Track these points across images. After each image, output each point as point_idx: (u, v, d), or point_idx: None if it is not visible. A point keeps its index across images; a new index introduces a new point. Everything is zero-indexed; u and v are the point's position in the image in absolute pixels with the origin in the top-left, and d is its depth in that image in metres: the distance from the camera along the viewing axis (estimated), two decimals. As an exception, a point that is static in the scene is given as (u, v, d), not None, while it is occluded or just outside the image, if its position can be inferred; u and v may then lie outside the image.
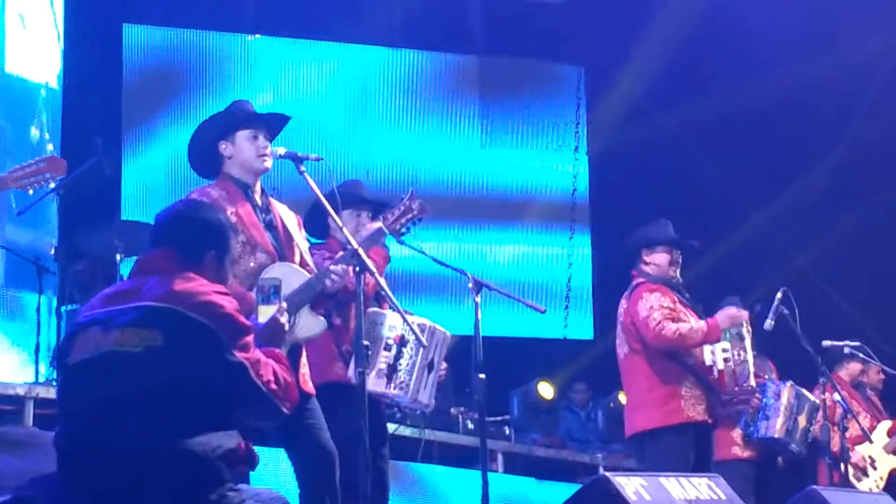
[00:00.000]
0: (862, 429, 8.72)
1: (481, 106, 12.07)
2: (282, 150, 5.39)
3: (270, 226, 5.35)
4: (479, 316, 6.08)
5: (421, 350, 5.78)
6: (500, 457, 9.08)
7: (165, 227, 4.18)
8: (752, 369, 6.94)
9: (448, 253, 6.60)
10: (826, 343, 8.41)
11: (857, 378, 9.20)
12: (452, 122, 11.93)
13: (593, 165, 12.28)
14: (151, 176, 10.60)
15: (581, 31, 12.01)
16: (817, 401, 7.98)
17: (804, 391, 8.06)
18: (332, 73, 11.53)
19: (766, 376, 8.20)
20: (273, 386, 3.97)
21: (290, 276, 5.21)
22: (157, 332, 3.82)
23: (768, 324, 7.64)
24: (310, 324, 5.22)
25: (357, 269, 5.37)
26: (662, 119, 11.85)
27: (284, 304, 4.65)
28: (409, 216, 5.73)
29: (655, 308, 6.84)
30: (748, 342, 6.98)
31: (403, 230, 5.77)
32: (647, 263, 7.07)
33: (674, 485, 5.58)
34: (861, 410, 9.08)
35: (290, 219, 5.47)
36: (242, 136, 5.30)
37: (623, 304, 7.02)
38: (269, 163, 5.33)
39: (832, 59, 11.37)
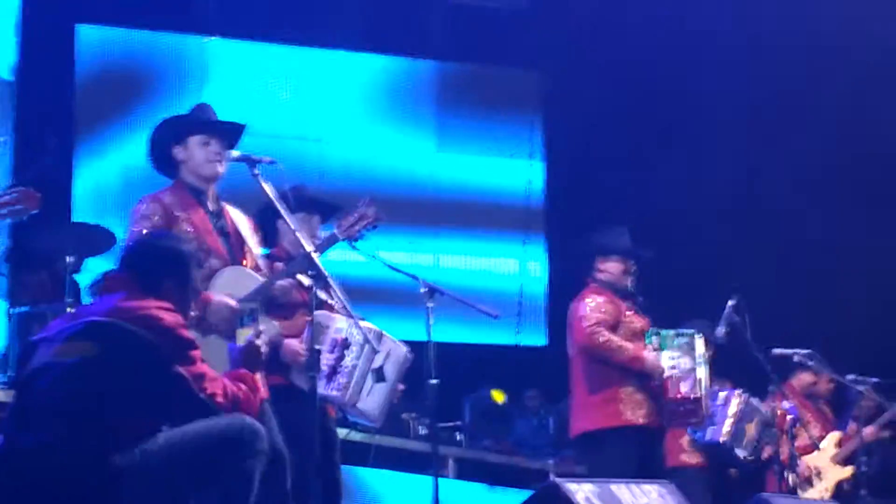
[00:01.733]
0: (811, 438, 8.78)
1: (438, 111, 12.07)
2: (235, 153, 5.39)
3: (223, 231, 5.36)
4: (432, 321, 6.10)
5: (365, 353, 5.77)
6: (451, 463, 9.08)
7: (129, 253, 4.41)
8: (699, 379, 6.96)
9: (401, 258, 6.60)
10: (776, 351, 8.43)
11: (808, 387, 9.25)
12: (409, 126, 11.93)
13: (549, 172, 12.30)
14: (104, 177, 10.54)
15: (538, 37, 12.04)
16: (769, 413, 8.04)
17: (756, 403, 8.13)
18: (288, 77, 11.51)
19: (717, 386, 8.25)
20: (219, 399, 4.08)
21: (243, 280, 5.23)
22: (94, 344, 3.93)
23: (720, 332, 7.72)
24: (264, 326, 5.22)
25: (310, 273, 5.38)
26: (620, 126, 11.90)
27: (262, 327, 4.73)
28: (365, 223, 5.75)
29: (594, 310, 6.92)
30: (699, 355, 7.00)
31: (358, 236, 5.78)
32: (600, 271, 7.13)
33: (623, 491, 5.62)
34: (811, 420, 9.13)
35: (242, 224, 5.47)
36: (194, 141, 5.31)
37: (571, 305, 7.08)
38: (220, 169, 5.33)
39: (795, 64, 11.47)
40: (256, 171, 5.36)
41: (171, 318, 4.09)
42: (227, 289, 5.16)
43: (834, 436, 9.17)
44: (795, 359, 8.73)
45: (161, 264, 4.33)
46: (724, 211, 11.83)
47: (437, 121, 12.05)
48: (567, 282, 7.14)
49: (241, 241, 5.39)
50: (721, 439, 7.89)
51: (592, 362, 6.96)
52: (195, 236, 5.17)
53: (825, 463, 9.02)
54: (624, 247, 7.17)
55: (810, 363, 8.80)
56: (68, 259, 8.01)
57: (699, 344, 7.05)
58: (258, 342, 4.53)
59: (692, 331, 7.10)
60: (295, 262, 5.43)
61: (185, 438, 4.05)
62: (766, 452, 8.14)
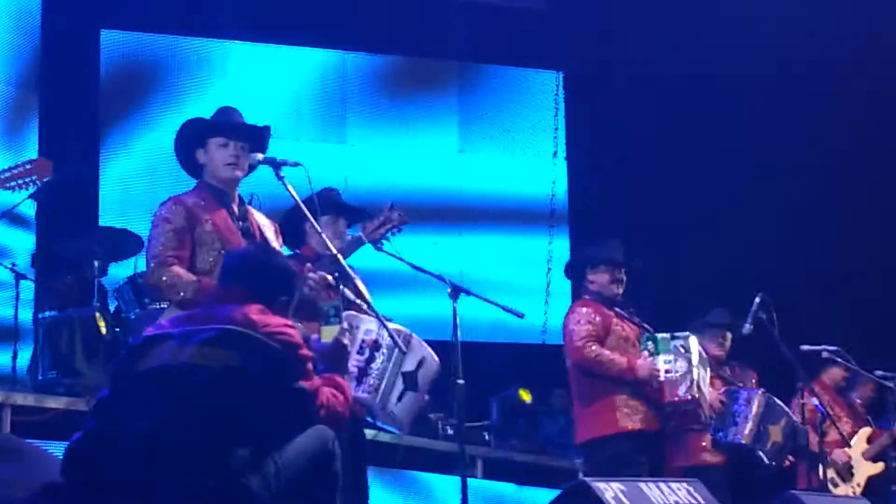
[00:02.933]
0: (841, 434, 8.75)
1: (460, 111, 12.07)
2: (260, 156, 5.40)
3: (247, 233, 5.37)
4: (458, 321, 6.11)
5: (395, 356, 5.76)
6: (479, 462, 9.08)
7: (242, 268, 4.48)
8: (695, 380, 7.04)
9: (426, 258, 6.62)
10: (804, 348, 8.43)
11: (839, 383, 9.22)
12: (431, 127, 11.93)
13: (572, 170, 12.29)
14: (130, 181, 10.57)
15: (559, 37, 12.03)
16: (795, 417, 8.03)
17: (780, 403, 8.10)
18: (311, 79, 11.52)
19: (742, 384, 8.24)
20: (322, 413, 4.27)
21: None
22: (235, 354, 4.07)
23: (746, 328, 7.73)
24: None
25: (336, 275, 5.40)
26: (643, 125, 11.88)
27: (345, 325, 4.83)
28: (389, 226, 5.78)
29: (583, 323, 7.06)
30: (694, 356, 7.08)
31: (382, 239, 5.81)
32: (591, 282, 7.27)
33: (653, 490, 5.62)
34: (842, 416, 9.11)
35: (267, 227, 5.49)
36: (214, 143, 5.32)
37: (565, 321, 7.21)
38: (238, 172, 5.34)
39: (821, 61, 11.44)
40: (281, 174, 5.38)
41: (296, 334, 4.24)
42: None
43: (865, 431, 9.16)
44: (824, 355, 8.72)
45: (276, 281, 4.47)
46: (750, 208, 11.81)
47: (460, 119, 12.04)
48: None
49: (268, 244, 5.41)
50: (743, 441, 7.90)
51: (586, 374, 7.09)
52: (218, 237, 5.21)
53: (856, 459, 9.00)
54: (610, 256, 7.28)
55: (838, 359, 8.79)
56: (95, 263, 8.05)
57: (693, 346, 7.13)
58: (345, 340, 4.67)
59: (686, 333, 7.18)
60: (321, 262, 5.45)
61: (300, 454, 4.18)
62: (789, 461, 8.15)
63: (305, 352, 4.26)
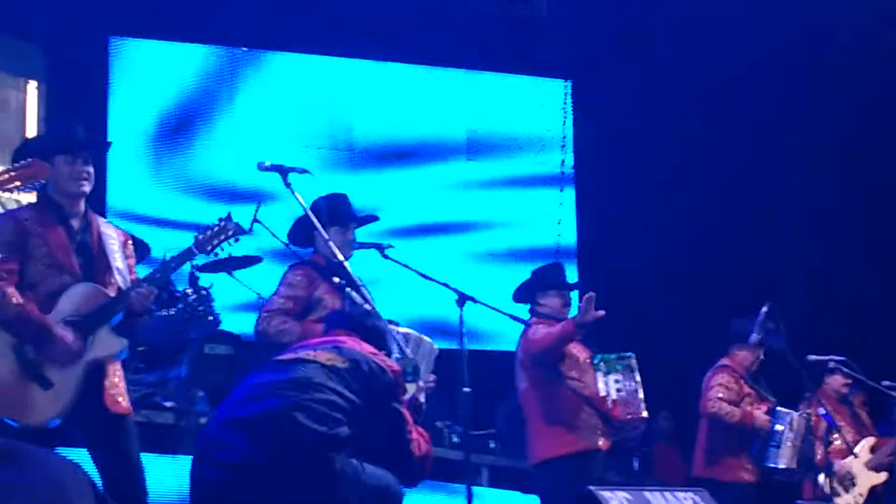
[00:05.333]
0: (846, 443, 8.74)
1: (467, 119, 12.08)
2: (268, 163, 5.41)
3: (84, 247, 5.36)
4: (464, 329, 6.12)
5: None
6: (484, 470, 9.07)
7: (348, 322, 5.15)
8: (641, 398, 7.26)
9: (433, 267, 6.62)
10: (811, 357, 8.43)
11: (841, 392, 9.21)
12: (438, 135, 11.94)
13: (579, 179, 12.29)
14: (138, 189, 10.57)
15: (565, 45, 12.04)
16: (846, 438, 8.40)
17: (808, 419, 8.28)
18: (319, 87, 11.53)
19: (772, 400, 8.32)
20: (415, 448, 4.79)
21: (94, 296, 5.27)
22: (345, 359, 4.66)
23: (753, 338, 7.78)
24: (108, 343, 5.26)
25: (342, 282, 5.41)
26: (647, 131, 11.88)
27: (422, 384, 5.33)
28: (223, 237, 5.67)
29: (539, 329, 7.16)
30: (637, 374, 7.26)
31: (216, 250, 5.71)
32: (541, 305, 7.40)
33: (659, 499, 5.61)
34: (845, 425, 9.09)
35: (112, 240, 5.46)
36: (60, 159, 5.30)
37: (520, 342, 7.29)
38: (86, 187, 5.35)
39: (828, 64, 11.44)
40: (289, 181, 5.39)
41: (394, 365, 4.84)
42: (77, 304, 5.20)
43: (868, 441, 9.13)
44: (831, 365, 8.73)
45: (376, 336, 5.07)
46: (755, 217, 11.81)
47: (468, 128, 12.05)
48: (596, 289, 7.23)
49: (104, 257, 5.38)
50: (784, 465, 8.10)
51: (553, 392, 7.16)
52: (47, 252, 5.22)
53: (859, 468, 8.98)
54: (560, 281, 7.49)
55: (844, 369, 8.79)
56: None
57: (635, 365, 7.30)
58: (421, 398, 5.25)
59: (630, 354, 7.34)
60: (155, 270, 5.47)
61: (377, 474, 4.63)
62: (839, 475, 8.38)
63: (401, 381, 4.79)
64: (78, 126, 5.47)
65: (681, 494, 5.76)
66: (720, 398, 8.09)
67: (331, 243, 5.51)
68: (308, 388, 4.50)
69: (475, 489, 6.11)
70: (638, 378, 7.24)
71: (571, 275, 11.87)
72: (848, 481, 8.82)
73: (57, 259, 5.24)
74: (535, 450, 7.24)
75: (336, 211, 6.07)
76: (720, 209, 11.72)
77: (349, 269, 5.55)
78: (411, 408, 5.00)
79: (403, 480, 4.84)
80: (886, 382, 8.92)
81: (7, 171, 5.27)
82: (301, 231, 6.16)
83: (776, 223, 11.77)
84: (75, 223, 5.35)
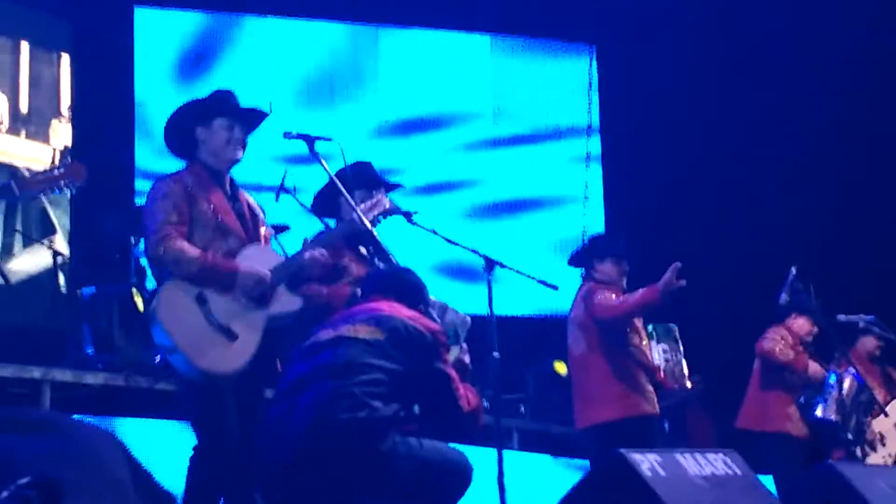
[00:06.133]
0: (878, 403, 8.75)
1: (494, 85, 12.07)
2: (293, 132, 5.43)
3: (239, 213, 5.40)
4: (493, 295, 6.14)
5: None
6: (515, 434, 9.11)
7: (386, 283, 5.21)
8: (685, 369, 7.57)
9: (460, 232, 6.66)
10: (841, 317, 8.47)
11: (872, 352, 9.20)
12: (465, 100, 11.94)
13: (605, 144, 12.28)
14: (164, 162, 10.60)
15: (592, 9, 12.01)
16: (878, 398, 8.41)
17: (866, 385, 8.35)
18: (343, 53, 11.53)
19: (833, 366, 8.42)
20: (464, 402, 4.83)
21: (266, 256, 5.33)
22: (382, 331, 4.72)
23: (783, 299, 7.85)
24: (286, 300, 5.31)
25: (371, 249, 5.44)
26: (674, 96, 11.86)
27: (465, 346, 5.39)
28: (379, 210, 5.78)
29: (606, 297, 7.26)
30: (681, 345, 7.58)
31: (375, 222, 5.83)
32: (597, 271, 7.50)
33: (689, 461, 5.61)
34: (877, 385, 9.10)
35: (258, 208, 5.52)
36: (219, 124, 5.33)
37: (579, 305, 7.41)
38: (240, 154, 5.37)
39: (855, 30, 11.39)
40: (315, 149, 5.41)
41: (434, 325, 4.92)
42: (251, 262, 5.23)
43: (897, 402, 9.13)
44: (861, 325, 8.74)
45: (415, 293, 5.16)
46: (784, 179, 11.79)
47: (494, 93, 12.04)
48: (629, 250, 7.32)
49: (257, 223, 5.45)
50: (831, 417, 8.22)
51: (615, 358, 7.24)
52: (214, 217, 5.25)
53: (889, 428, 8.98)
54: (617, 249, 7.56)
55: (875, 329, 8.79)
56: (132, 240, 8.09)
57: (678, 336, 7.64)
58: (466, 359, 5.38)
59: (674, 325, 7.66)
60: (321, 234, 5.51)
61: (439, 448, 4.70)
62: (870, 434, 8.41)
63: (444, 339, 4.87)
64: (234, 95, 5.46)
65: (711, 456, 5.75)
66: (775, 340, 8.20)
67: (358, 209, 5.53)
68: (349, 373, 4.58)
69: (506, 452, 6.13)
70: (681, 349, 7.51)
71: (598, 221, 11.98)
72: (878, 441, 8.83)
73: (224, 223, 5.26)
74: (589, 413, 7.32)
75: (361, 175, 6.08)
76: (749, 173, 11.69)
77: (377, 235, 5.56)
78: (457, 368, 5.06)
79: (458, 436, 5.08)
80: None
81: (44, 173, 5.31)
82: (326, 199, 6.17)
83: (805, 186, 11.74)
84: (228, 190, 5.39)
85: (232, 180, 5.44)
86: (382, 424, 4.54)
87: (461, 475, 4.78)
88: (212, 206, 5.25)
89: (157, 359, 5.19)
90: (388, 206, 5.84)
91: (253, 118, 5.44)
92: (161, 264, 5.17)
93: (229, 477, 5.09)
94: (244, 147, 5.37)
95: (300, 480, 4.56)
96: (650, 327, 7.46)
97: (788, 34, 11.64)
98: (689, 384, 7.57)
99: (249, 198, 5.51)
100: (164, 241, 5.12)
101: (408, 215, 6.05)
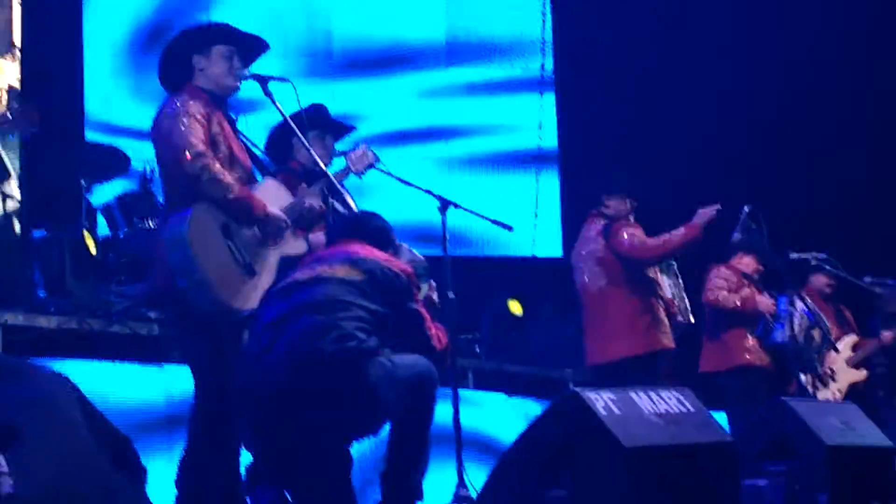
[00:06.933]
0: (829, 339, 8.84)
1: (447, 21, 11.98)
2: (247, 72, 5.38)
3: (243, 144, 5.36)
4: (447, 236, 6.15)
5: None
6: (470, 374, 9.14)
7: (356, 227, 5.25)
8: (687, 303, 7.76)
9: (414, 173, 6.66)
10: (793, 255, 8.51)
11: (823, 290, 9.28)
12: (418, 42, 11.85)
13: (560, 82, 12.23)
14: (114, 98, 10.48)
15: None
16: (829, 334, 8.65)
17: (818, 310, 8.46)
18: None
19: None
20: (436, 343, 4.96)
21: (280, 194, 5.33)
22: (359, 272, 4.80)
23: (736, 237, 7.92)
24: (294, 242, 5.34)
25: (328, 191, 5.44)
26: (634, 34, 11.83)
27: (433, 283, 5.43)
28: (366, 162, 5.84)
29: (636, 235, 7.44)
30: (680, 279, 7.75)
31: (361, 173, 5.90)
32: (607, 206, 7.64)
33: (643, 399, 5.64)
34: (829, 323, 9.18)
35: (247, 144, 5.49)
36: (218, 51, 5.26)
37: (597, 240, 7.53)
38: (239, 84, 5.31)
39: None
40: (269, 90, 5.37)
41: (406, 266, 4.99)
42: (268, 201, 5.20)
43: (851, 339, 9.22)
44: (812, 262, 8.79)
45: (385, 237, 5.21)
46: (735, 118, 11.79)
47: (448, 33, 11.96)
48: (580, 192, 7.38)
49: (256, 159, 5.43)
50: (788, 341, 8.34)
51: (635, 293, 7.44)
52: (224, 140, 5.17)
53: (840, 365, 9.09)
54: (626, 184, 7.75)
55: (826, 266, 8.86)
56: (82, 182, 8.01)
57: (678, 272, 7.77)
58: (434, 296, 5.43)
59: (673, 262, 7.72)
60: (319, 181, 5.48)
61: (408, 364, 4.70)
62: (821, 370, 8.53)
63: (415, 280, 4.95)
64: (232, 26, 5.37)
65: (665, 393, 5.78)
66: (719, 287, 8.26)
67: (312, 150, 5.51)
68: (332, 308, 4.65)
69: (461, 391, 6.17)
70: (682, 283, 7.71)
71: (553, 178, 11.96)
72: (828, 377, 8.94)
73: (233, 151, 5.19)
74: (611, 348, 7.47)
75: (314, 118, 6.06)
76: (703, 108, 11.69)
77: (331, 176, 5.55)
78: (427, 305, 5.15)
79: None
80: (868, 278, 9.00)
81: (3, 116, 5.23)
82: (279, 141, 6.13)
83: (756, 123, 11.77)
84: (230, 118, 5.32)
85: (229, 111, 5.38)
86: (369, 354, 4.60)
87: (431, 383, 4.82)
88: (223, 132, 5.17)
89: (179, 284, 4.97)
90: (373, 159, 5.86)
91: (251, 47, 5.37)
92: (194, 183, 5.00)
93: (228, 435, 5.00)
94: (243, 78, 5.30)
95: (289, 412, 4.57)
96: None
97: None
98: (691, 318, 7.76)
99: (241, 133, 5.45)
100: (200, 157, 4.99)
101: (357, 174, 6.07)
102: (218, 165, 5.02)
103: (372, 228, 5.21)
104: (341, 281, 4.75)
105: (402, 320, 4.84)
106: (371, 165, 5.98)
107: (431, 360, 4.80)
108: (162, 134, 5.12)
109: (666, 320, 7.48)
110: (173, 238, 4.94)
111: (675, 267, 7.72)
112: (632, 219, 7.60)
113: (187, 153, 4.99)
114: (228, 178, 5.03)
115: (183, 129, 5.01)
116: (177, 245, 4.90)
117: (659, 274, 7.55)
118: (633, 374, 7.05)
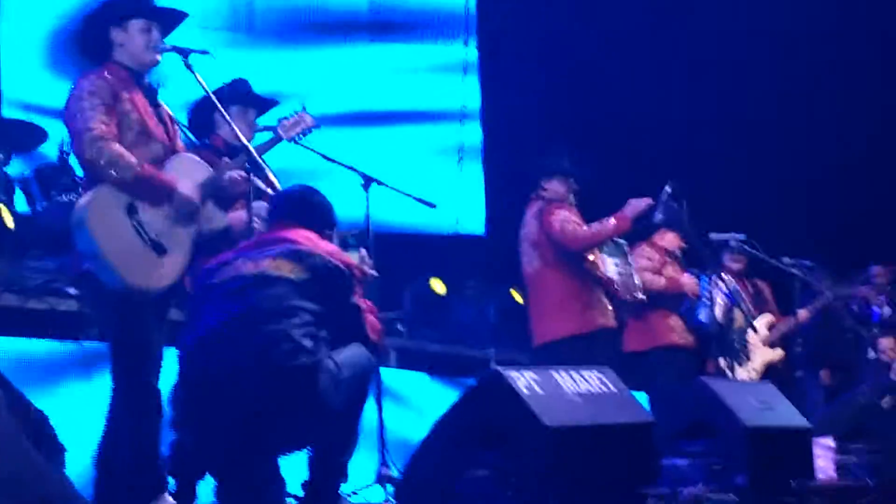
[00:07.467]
0: (749, 320, 8.95)
1: (370, 6, 11.95)
2: (167, 45, 5.32)
3: (160, 119, 5.30)
4: (370, 212, 6.16)
5: None
6: (392, 353, 9.14)
7: (293, 207, 5.15)
8: (637, 281, 7.75)
9: (337, 149, 6.64)
10: (713, 235, 8.61)
11: (741, 270, 9.36)
12: (341, 10, 11.80)
13: (483, 56, 12.22)
14: (31, 72, 10.33)
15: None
16: (747, 314, 8.81)
17: (739, 290, 8.56)
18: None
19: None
20: (372, 333, 4.93)
21: (194, 168, 5.25)
22: (304, 267, 4.74)
23: (657, 217, 7.97)
24: (214, 216, 5.30)
25: (247, 165, 5.38)
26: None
27: (364, 252, 5.49)
28: (302, 126, 5.84)
29: (567, 220, 7.48)
30: (630, 259, 7.77)
31: (297, 138, 5.90)
32: (545, 189, 7.67)
33: (565, 378, 5.68)
34: (746, 302, 9.28)
35: (173, 116, 5.43)
36: (135, 26, 5.21)
37: (532, 223, 7.58)
38: (158, 57, 5.26)
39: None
40: (189, 63, 5.32)
41: (349, 259, 4.94)
42: (181, 175, 5.16)
43: (765, 318, 9.32)
44: (731, 243, 8.88)
45: (324, 216, 5.16)
46: (658, 96, 11.85)
47: (370, 8, 11.91)
48: (505, 171, 7.40)
49: (176, 132, 5.37)
50: (711, 321, 8.50)
51: (570, 273, 7.48)
52: (137, 118, 5.13)
53: (756, 344, 9.19)
54: (564, 167, 7.72)
55: (745, 247, 8.94)
56: (1, 156, 7.91)
57: (628, 250, 7.81)
58: (366, 267, 5.43)
59: (624, 241, 7.79)
60: (241, 155, 5.43)
61: (349, 362, 4.75)
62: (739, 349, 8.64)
63: (356, 273, 4.92)
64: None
65: (586, 373, 5.83)
66: (644, 269, 8.29)
67: (233, 124, 5.47)
68: (282, 315, 4.65)
69: (383, 370, 6.17)
70: (631, 263, 7.72)
71: (476, 137, 11.99)
72: (744, 356, 9.03)
73: (147, 127, 5.14)
74: (547, 329, 7.51)
75: (236, 92, 6.02)
76: (628, 87, 11.73)
77: (254, 152, 5.50)
78: (360, 279, 5.11)
79: None
80: (787, 259, 9.11)
81: None
82: (201, 116, 6.09)
83: (678, 102, 11.82)
84: (148, 93, 5.26)
85: (150, 85, 5.32)
86: (318, 366, 4.61)
87: (369, 375, 4.95)
88: (134, 107, 5.13)
89: (82, 270, 4.98)
90: (311, 122, 5.85)
91: (170, 20, 5.33)
92: (92, 167, 5.01)
93: (148, 414, 5.00)
94: (160, 51, 5.24)
95: (239, 414, 4.58)
96: (604, 245, 7.64)
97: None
98: (640, 295, 7.77)
99: (165, 106, 5.40)
100: (97, 141, 4.97)
101: (290, 140, 6.04)
102: (117, 146, 5.00)
103: (311, 209, 5.13)
104: (287, 282, 4.71)
105: (342, 315, 4.83)
106: (309, 130, 5.97)
107: (368, 347, 4.83)
108: (67, 118, 5.14)
109: (605, 300, 7.54)
110: (74, 222, 4.97)
111: (626, 246, 7.78)
112: (572, 200, 7.64)
113: (84, 137, 4.99)
114: (129, 158, 5.00)
115: (82, 113, 5.02)
116: (78, 228, 4.93)
117: (600, 254, 7.60)
118: (573, 354, 7.07)
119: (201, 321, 4.73)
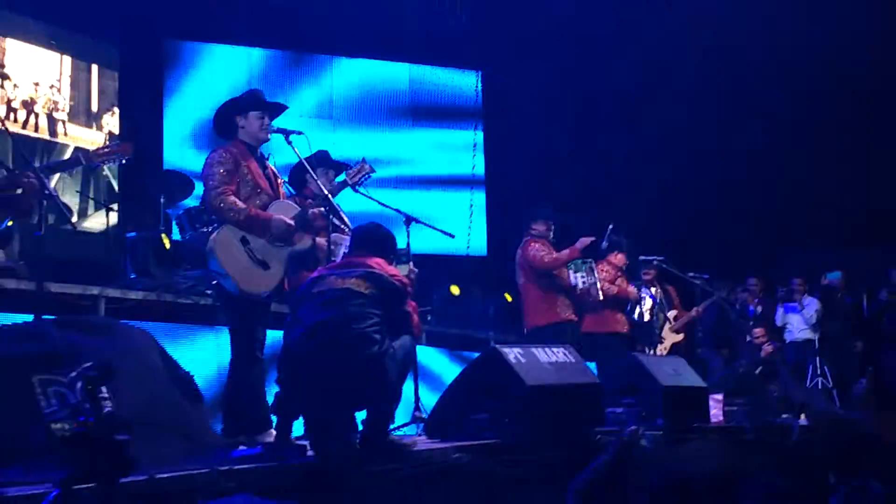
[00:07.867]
0: (666, 316, 9.07)
1: (411, 99, 11.96)
2: (275, 127, 5.37)
3: (268, 178, 5.36)
4: (410, 241, 6.19)
5: None
6: (424, 335, 9.11)
7: (367, 239, 4.97)
8: (599, 288, 7.78)
9: (387, 199, 6.72)
10: (641, 257, 8.76)
11: (651, 279, 9.30)
12: (391, 110, 11.84)
13: (486, 139, 12.19)
14: (185, 135, 10.38)
15: (478, 44, 11.90)
16: (665, 311, 8.93)
17: (661, 295, 8.64)
18: (310, 78, 11.33)
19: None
20: (416, 329, 4.84)
21: (288, 209, 5.30)
22: (374, 285, 4.66)
23: (604, 245, 8.16)
24: (303, 238, 5.33)
25: (327, 209, 5.42)
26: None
27: (412, 265, 5.48)
28: (363, 174, 5.83)
29: (538, 251, 7.58)
30: (595, 273, 7.77)
31: (360, 183, 5.88)
32: (534, 229, 7.75)
33: (541, 352, 5.67)
34: (664, 302, 9.29)
35: (278, 174, 5.49)
36: (253, 115, 5.28)
37: (518, 252, 7.70)
38: (268, 136, 5.33)
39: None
40: (290, 140, 5.36)
41: (404, 278, 4.85)
42: (279, 213, 5.23)
43: (672, 312, 9.39)
44: (654, 262, 8.97)
45: (388, 246, 5.00)
46: (609, 172, 11.68)
47: (410, 104, 11.90)
48: (499, 215, 7.42)
49: (278, 184, 5.42)
50: (643, 319, 8.66)
51: (541, 284, 7.57)
52: (251, 178, 5.19)
53: (667, 332, 9.24)
54: (548, 213, 7.82)
55: (663, 265, 8.99)
56: (161, 199, 7.95)
57: (594, 267, 7.81)
58: (412, 276, 5.45)
59: (591, 260, 7.79)
60: (319, 198, 5.47)
61: (401, 345, 4.65)
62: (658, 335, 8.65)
63: (409, 290, 4.80)
64: (262, 93, 5.38)
65: (555, 349, 5.82)
66: (602, 279, 8.27)
67: (318, 181, 5.53)
68: (361, 319, 4.57)
69: (418, 348, 6.15)
70: (596, 275, 7.72)
71: (481, 197, 11.96)
72: (657, 339, 9.07)
73: (258, 184, 5.20)
74: (531, 320, 7.61)
75: (320, 159, 6.02)
76: (592, 148, 11.57)
77: (331, 198, 5.51)
78: (410, 277, 5.08)
79: None
80: (691, 273, 9.18)
81: (104, 148, 5.17)
82: (296, 175, 6.02)
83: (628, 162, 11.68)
84: (259, 160, 5.32)
85: (262, 155, 5.39)
86: (385, 353, 4.57)
87: (412, 354, 4.90)
88: (250, 171, 5.20)
89: (214, 282, 5.22)
90: (369, 169, 5.85)
91: (276, 109, 5.39)
92: (218, 212, 5.12)
93: (255, 374, 5.08)
94: (270, 132, 5.31)
95: (330, 384, 4.54)
96: (570, 264, 7.64)
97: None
98: (600, 297, 7.78)
99: (272, 166, 5.46)
100: (221, 195, 5.08)
101: (354, 186, 6.00)
102: (232, 198, 5.09)
103: (379, 241, 4.98)
104: (363, 295, 4.63)
105: (398, 317, 4.75)
106: (368, 176, 5.87)
107: (411, 336, 4.79)
108: (202, 178, 5.23)
109: (569, 301, 7.60)
110: (207, 250, 5.10)
111: (592, 263, 7.75)
112: (551, 235, 7.72)
113: (212, 192, 5.11)
114: (240, 205, 5.09)
115: (212, 177, 5.13)
116: (210, 255, 5.07)
117: (568, 270, 7.62)
118: (547, 337, 7.11)
119: (307, 319, 4.66)
